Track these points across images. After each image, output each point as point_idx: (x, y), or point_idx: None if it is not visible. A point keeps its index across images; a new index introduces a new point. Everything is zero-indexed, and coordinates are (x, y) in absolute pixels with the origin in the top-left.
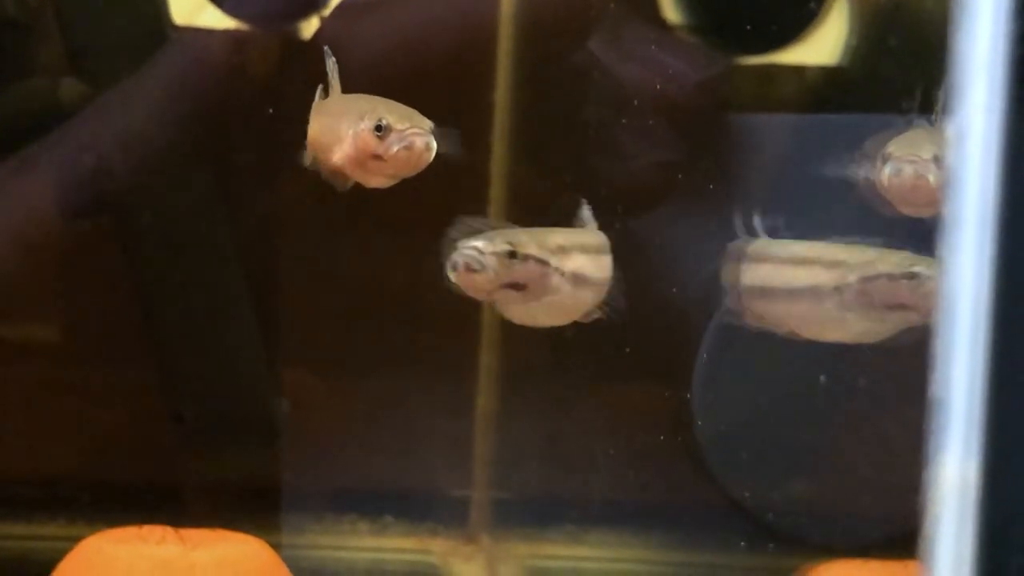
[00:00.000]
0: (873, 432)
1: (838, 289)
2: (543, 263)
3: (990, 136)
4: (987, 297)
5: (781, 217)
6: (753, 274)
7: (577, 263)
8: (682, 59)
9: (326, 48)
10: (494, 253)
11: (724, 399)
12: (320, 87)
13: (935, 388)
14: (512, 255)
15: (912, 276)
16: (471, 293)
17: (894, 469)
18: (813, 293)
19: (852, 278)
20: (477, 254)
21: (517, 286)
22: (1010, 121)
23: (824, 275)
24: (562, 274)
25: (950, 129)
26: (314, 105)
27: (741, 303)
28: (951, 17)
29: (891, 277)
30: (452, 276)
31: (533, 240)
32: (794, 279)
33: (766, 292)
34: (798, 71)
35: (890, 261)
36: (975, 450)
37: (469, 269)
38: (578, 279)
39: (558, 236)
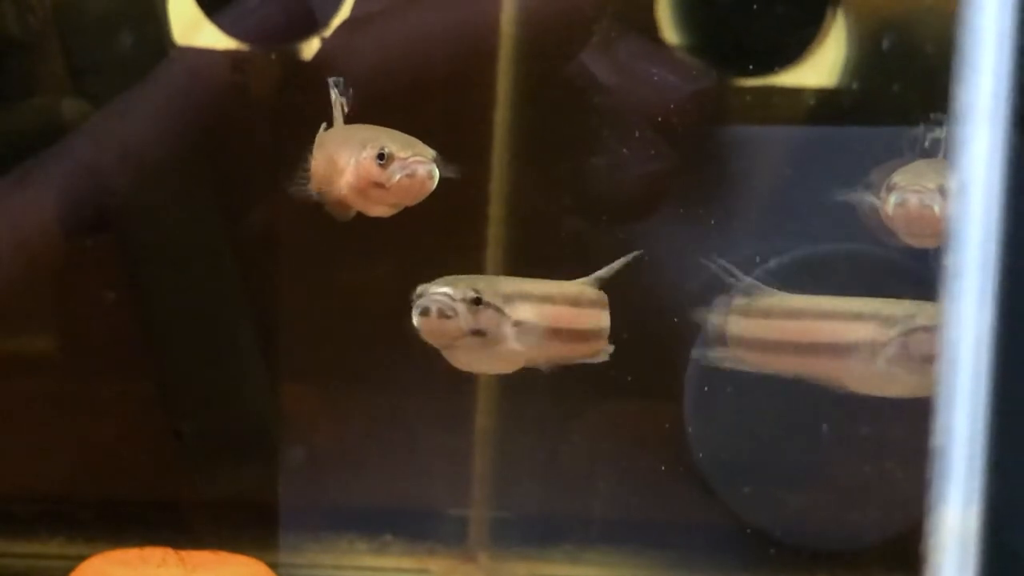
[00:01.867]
0: (868, 444)
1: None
2: (499, 311)
3: (991, 186)
4: (988, 346)
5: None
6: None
7: (523, 312)
8: (675, 73)
9: (330, 80)
10: (463, 300)
11: (717, 415)
12: (324, 123)
13: (936, 436)
14: (477, 302)
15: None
16: (435, 340)
17: (888, 481)
18: (855, 349)
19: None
20: (448, 300)
21: (478, 333)
22: (1011, 171)
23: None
24: (513, 323)
25: (953, 182)
26: (318, 137)
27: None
28: (953, 69)
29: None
30: (419, 322)
31: (491, 287)
32: (835, 334)
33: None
34: (796, 92)
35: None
36: (976, 498)
37: (442, 315)
38: (524, 328)
39: (507, 284)
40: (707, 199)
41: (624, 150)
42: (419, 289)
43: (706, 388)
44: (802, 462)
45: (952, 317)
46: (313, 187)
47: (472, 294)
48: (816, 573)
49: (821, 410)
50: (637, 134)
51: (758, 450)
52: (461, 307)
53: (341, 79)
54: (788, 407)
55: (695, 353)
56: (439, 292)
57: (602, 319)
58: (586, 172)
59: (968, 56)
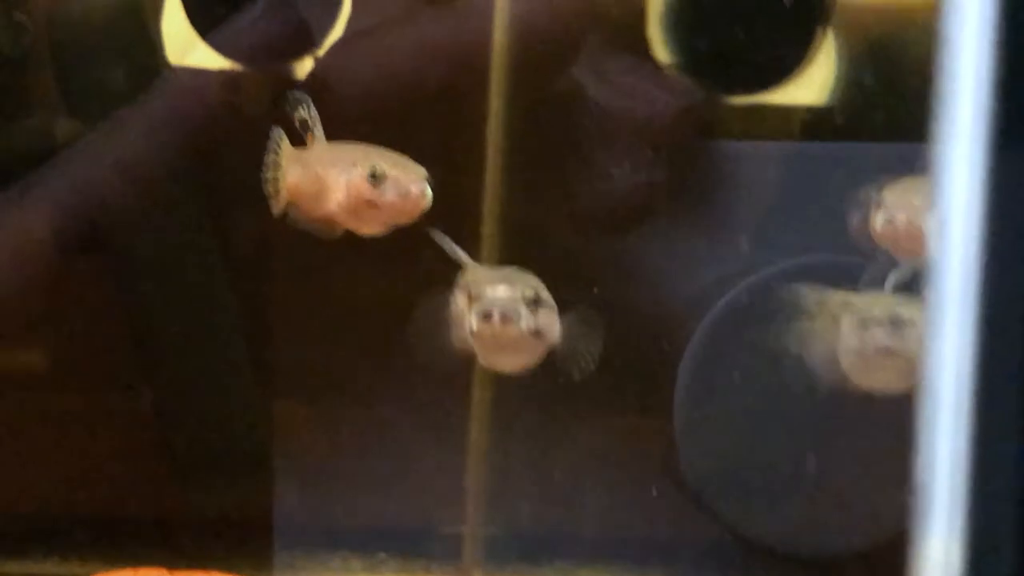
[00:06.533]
0: (860, 451)
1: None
2: (552, 309)
3: (971, 219)
4: (969, 378)
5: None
6: None
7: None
8: (665, 89)
9: (303, 95)
10: (524, 300)
11: (707, 426)
12: (282, 134)
13: (918, 471)
14: (536, 301)
15: (894, 322)
16: (494, 343)
17: (879, 488)
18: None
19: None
20: (512, 304)
21: (537, 334)
22: (992, 208)
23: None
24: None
25: (933, 218)
26: (286, 153)
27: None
28: (931, 106)
29: (875, 322)
30: (480, 327)
31: (540, 285)
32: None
33: None
34: (786, 110)
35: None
36: (958, 531)
37: (505, 320)
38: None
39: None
40: (697, 214)
41: (615, 165)
42: (470, 284)
43: (696, 402)
44: (794, 474)
45: (932, 350)
46: (280, 205)
47: (531, 293)
48: None
49: (811, 421)
50: (628, 150)
51: (749, 463)
52: (523, 309)
53: (303, 93)
54: (779, 420)
55: (685, 365)
56: (501, 296)
57: None
58: (578, 187)
59: (948, 72)
